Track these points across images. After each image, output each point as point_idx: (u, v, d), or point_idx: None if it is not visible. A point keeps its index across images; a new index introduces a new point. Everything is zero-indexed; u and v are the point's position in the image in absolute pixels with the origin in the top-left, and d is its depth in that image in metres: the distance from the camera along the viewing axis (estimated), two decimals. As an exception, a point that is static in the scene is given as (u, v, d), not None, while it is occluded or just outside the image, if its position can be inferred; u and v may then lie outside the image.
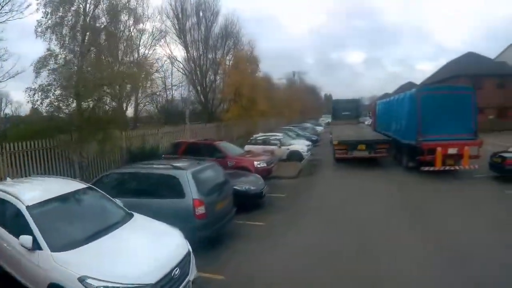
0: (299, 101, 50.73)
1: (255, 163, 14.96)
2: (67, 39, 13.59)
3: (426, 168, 15.39)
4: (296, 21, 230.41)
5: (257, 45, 60.23)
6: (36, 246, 5.10)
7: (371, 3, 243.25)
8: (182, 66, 35.78)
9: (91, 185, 7.33)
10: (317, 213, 11.28)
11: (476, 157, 15.34)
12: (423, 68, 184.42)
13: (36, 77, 12.60)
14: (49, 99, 12.53)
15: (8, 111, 36.05)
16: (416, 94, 16.89)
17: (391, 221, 10.05)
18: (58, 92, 12.65)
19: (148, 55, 28.49)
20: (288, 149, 22.01)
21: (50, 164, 12.90)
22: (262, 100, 28.70)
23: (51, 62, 12.84)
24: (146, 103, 29.30)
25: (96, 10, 15.04)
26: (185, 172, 7.98)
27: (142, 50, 28.28)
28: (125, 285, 4.70)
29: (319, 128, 47.53)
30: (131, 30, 20.46)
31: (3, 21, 15.12)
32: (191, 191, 7.68)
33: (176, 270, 5.32)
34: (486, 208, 11.01)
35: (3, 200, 5.94)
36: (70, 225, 5.83)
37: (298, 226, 10.00)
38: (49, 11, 13.19)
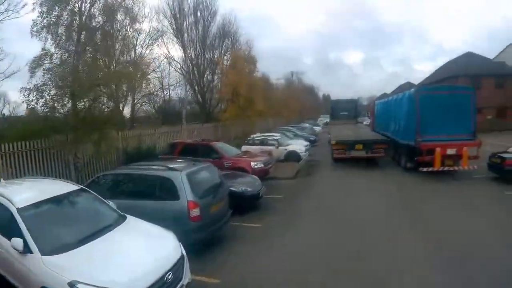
0: (297, 101, 50.70)
1: (252, 163, 14.84)
2: (62, 38, 13.46)
3: (425, 169, 15.30)
4: (294, 21, 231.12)
5: (255, 45, 60.67)
6: (27, 249, 5.00)
7: (370, 3, 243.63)
8: (179, 66, 35.67)
9: (83, 187, 7.22)
10: (314, 215, 11.18)
11: (475, 157, 15.27)
12: (422, 68, 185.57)
13: (31, 76, 12.46)
14: (44, 99, 12.36)
15: (6, 111, 35.84)
16: (414, 94, 16.77)
17: (390, 222, 9.97)
18: (53, 92, 12.50)
19: (145, 54, 28.41)
20: (286, 149, 21.95)
21: (46, 165, 12.78)
22: (260, 100, 28.61)
23: (46, 62, 12.67)
24: (143, 103, 29.14)
25: (92, 9, 14.90)
26: (180, 174, 7.87)
27: (139, 50, 28.21)
28: (116, 291, 4.57)
29: (317, 128, 47.60)
30: (128, 30, 20.32)
31: (-1, 21, 15.02)
32: (186, 193, 7.57)
33: (169, 275, 5.21)
34: (486, 209, 10.93)
35: (-5, 201, 5.81)
36: (62, 228, 5.70)
37: (295, 228, 9.89)
38: (44, 10, 13.05)
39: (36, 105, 12.46)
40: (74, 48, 13.78)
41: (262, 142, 21.94)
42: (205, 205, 7.84)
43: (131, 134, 18.04)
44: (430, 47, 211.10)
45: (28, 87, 12.21)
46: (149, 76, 20.39)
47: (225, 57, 36.43)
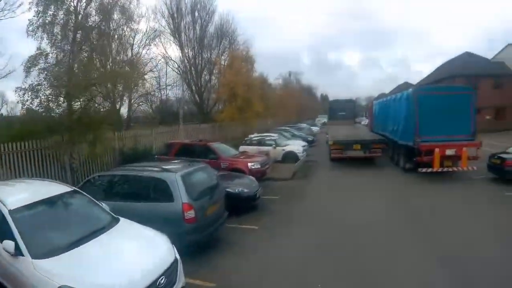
0: (295, 102, 50.70)
1: (249, 164, 14.76)
2: (58, 37, 13.37)
3: (424, 170, 15.22)
4: (292, 22, 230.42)
5: (253, 45, 60.53)
6: (18, 252, 4.89)
7: (368, 3, 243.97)
8: (177, 66, 35.55)
9: (76, 188, 7.08)
10: (311, 216, 11.09)
11: (474, 158, 15.19)
12: (420, 69, 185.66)
13: (26, 76, 12.36)
14: (39, 98, 12.24)
15: (4, 111, 35.79)
16: (413, 94, 16.62)
17: (389, 223, 9.89)
18: (48, 91, 12.39)
19: (142, 54, 28.26)
20: (284, 149, 21.86)
21: (42, 166, 12.67)
22: (258, 100, 28.70)
23: (41, 62, 12.60)
24: (140, 103, 29.00)
25: (87, 8, 14.79)
26: (174, 175, 7.73)
27: (136, 49, 28.08)
28: (107, 296, 4.47)
29: (315, 129, 47.57)
30: (124, 29, 20.19)
31: (-5, 20, 14.90)
32: (180, 195, 7.43)
33: (162, 279, 5.09)
34: (487, 211, 10.86)
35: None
36: (53, 230, 5.59)
37: (292, 229, 9.80)
38: (41, 10, 12.96)
39: (31, 105, 12.38)
40: (69, 48, 13.69)
41: (260, 143, 21.95)
42: (200, 207, 7.70)
43: (127, 135, 17.91)
44: (428, 48, 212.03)
45: (23, 87, 12.12)
46: (146, 76, 20.37)
47: (222, 57, 36.55)
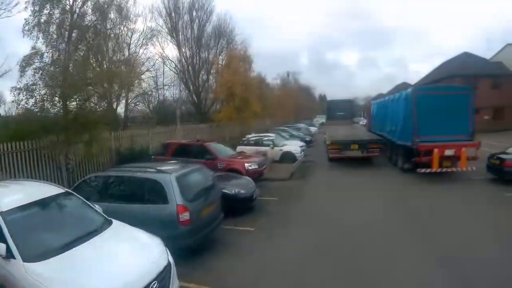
0: (293, 102, 50.68)
1: (246, 165, 14.65)
2: (53, 37, 13.31)
3: (423, 170, 15.15)
4: (290, 22, 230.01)
5: (251, 45, 60.34)
6: (9, 254, 4.78)
7: (367, 3, 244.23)
8: (174, 65, 35.50)
9: (69, 190, 6.96)
10: (309, 217, 11.01)
11: (473, 158, 15.12)
12: (418, 69, 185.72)
13: (21, 76, 12.34)
14: (34, 98, 12.20)
15: (1, 111, 35.59)
16: (412, 94, 16.56)
17: (387, 224, 9.84)
18: (43, 91, 12.33)
19: (139, 54, 28.14)
20: (281, 150, 21.78)
21: (37, 166, 12.55)
22: (255, 100, 28.66)
23: (36, 61, 12.55)
24: (137, 103, 28.88)
25: (83, 8, 14.72)
26: (169, 176, 7.61)
27: (133, 49, 27.96)
28: (98, 301, 4.37)
29: (313, 129, 47.55)
30: (121, 29, 20.08)
31: (-9, 20, 14.83)
32: (175, 197, 7.31)
33: (155, 284, 4.96)
34: (486, 212, 10.78)
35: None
36: (45, 233, 5.47)
37: (289, 230, 9.72)
38: (37, 9, 12.90)
39: (26, 105, 12.31)
40: (65, 47, 13.61)
41: (257, 143, 21.88)
42: (196, 208, 7.59)
43: (124, 134, 17.80)
44: (427, 48, 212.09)
45: (18, 86, 12.08)
46: (143, 76, 20.27)
47: (220, 57, 36.61)
